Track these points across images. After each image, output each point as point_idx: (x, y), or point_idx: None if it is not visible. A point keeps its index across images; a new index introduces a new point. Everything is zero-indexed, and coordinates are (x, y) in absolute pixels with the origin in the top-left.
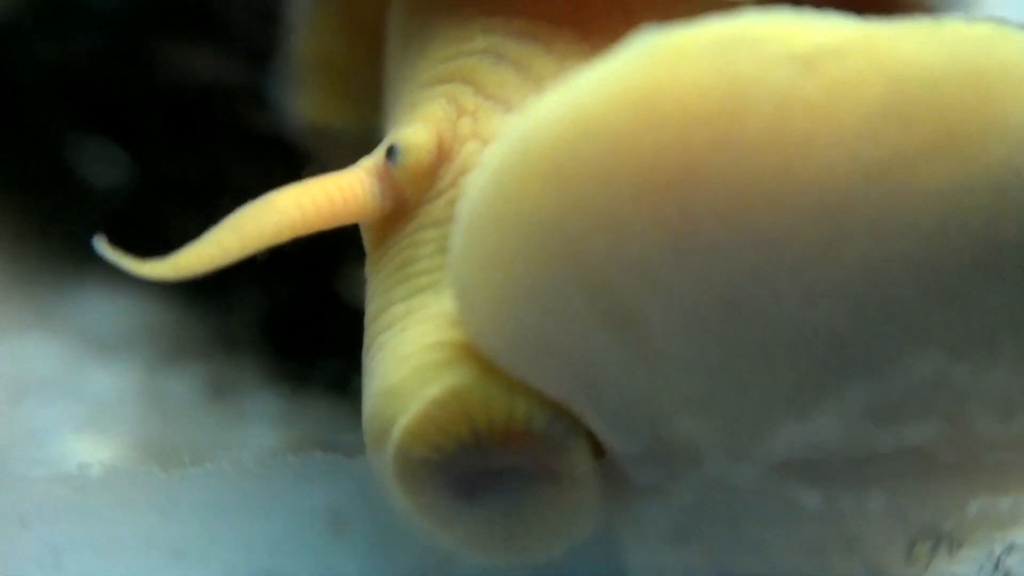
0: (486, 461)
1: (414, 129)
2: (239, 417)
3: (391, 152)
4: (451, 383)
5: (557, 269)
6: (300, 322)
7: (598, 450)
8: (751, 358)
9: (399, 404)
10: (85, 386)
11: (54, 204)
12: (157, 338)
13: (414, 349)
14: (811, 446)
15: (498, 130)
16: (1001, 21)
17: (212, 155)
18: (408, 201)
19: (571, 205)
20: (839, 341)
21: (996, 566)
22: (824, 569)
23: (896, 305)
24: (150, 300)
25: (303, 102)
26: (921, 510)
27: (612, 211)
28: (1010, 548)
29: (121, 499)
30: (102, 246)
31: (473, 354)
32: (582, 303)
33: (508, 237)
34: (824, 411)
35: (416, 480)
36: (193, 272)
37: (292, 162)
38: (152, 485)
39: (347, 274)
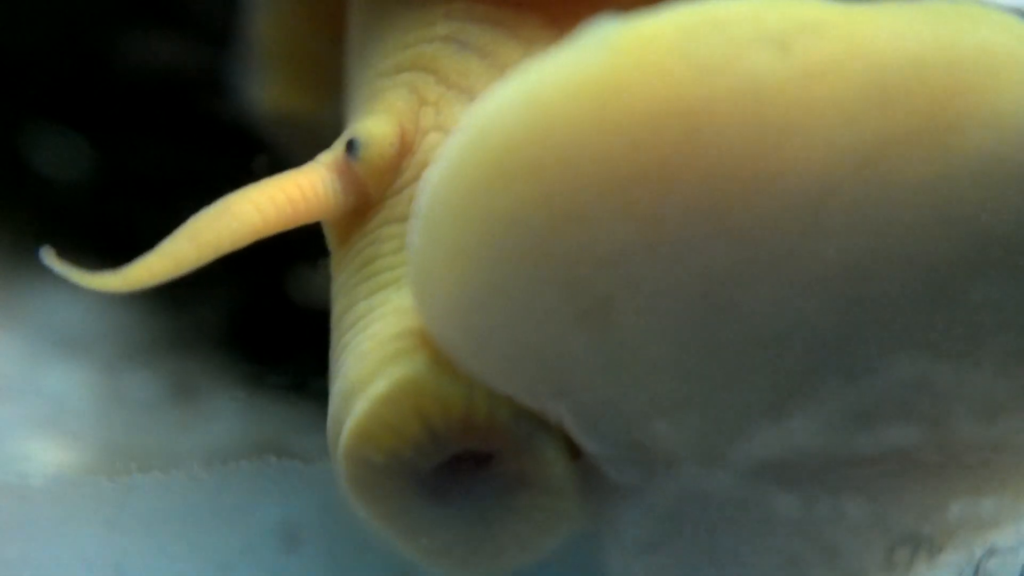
0: (445, 461)
1: (374, 121)
2: (200, 417)
3: (351, 146)
4: (400, 375)
5: (524, 267)
6: (261, 321)
7: (573, 451)
8: (726, 358)
9: (351, 405)
10: (42, 386)
11: (9, 197)
12: (116, 337)
13: (373, 345)
14: (788, 448)
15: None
16: (984, 3)
17: (173, 144)
18: (371, 196)
19: (535, 200)
20: (817, 340)
21: (976, 570)
22: None
23: (877, 303)
24: (109, 299)
25: (265, 90)
26: (900, 514)
27: (579, 206)
28: (991, 552)
29: (65, 510)
30: (50, 258)
31: (430, 342)
32: (554, 302)
33: (468, 233)
34: (801, 413)
35: (369, 486)
36: (145, 285)
37: (254, 151)
38: (98, 495)
39: (309, 272)
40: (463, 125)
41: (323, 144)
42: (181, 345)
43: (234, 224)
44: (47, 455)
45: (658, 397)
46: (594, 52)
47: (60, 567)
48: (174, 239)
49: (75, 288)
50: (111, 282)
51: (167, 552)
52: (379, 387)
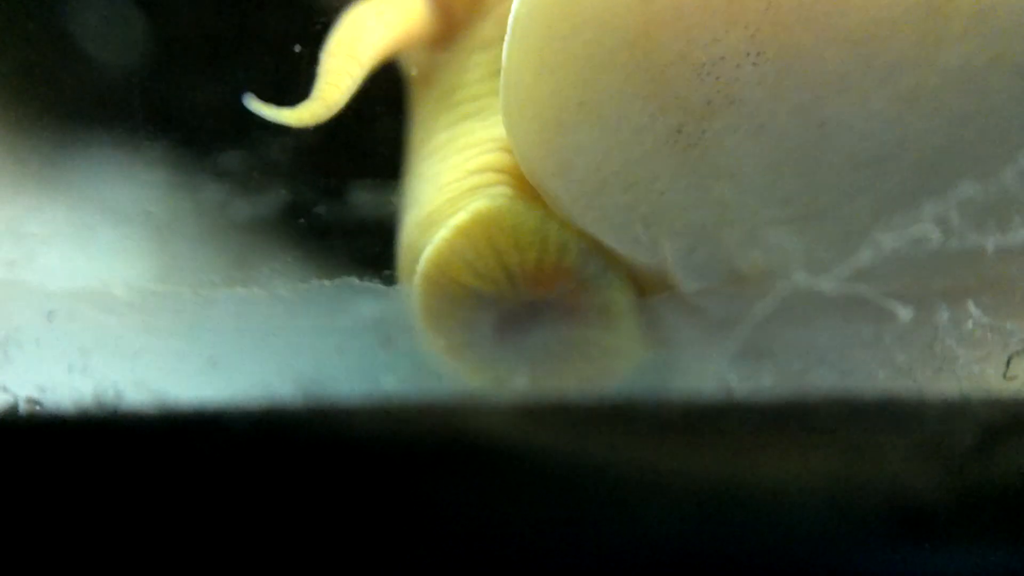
0: (517, 297)
1: None
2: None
3: None
4: (477, 207)
5: (615, 78)
6: (318, 206)
7: (639, 288)
8: (828, 180)
9: (430, 234)
10: (94, 262)
11: (59, 72)
12: (169, 215)
13: (454, 176)
14: (906, 253)
15: None
16: None
17: (222, 7)
18: (456, 22)
19: (628, 1)
20: (933, 151)
21: None
22: (912, 387)
23: (998, 112)
24: (159, 177)
25: None
26: (1021, 322)
27: (677, 8)
28: None
29: (148, 319)
30: (254, 103)
31: (513, 178)
32: (645, 116)
33: (556, 42)
34: (922, 216)
35: (440, 317)
36: (333, 110)
37: (308, 10)
38: (181, 306)
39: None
40: None
41: None
42: (236, 225)
43: (375, 43)
44: None
45: (758, 221)
46: None
47: (150, 359)
48: (336, 62)
49: (126, 165)
50: (311, 110)
51: (256, 352)
52: (458, 219)
